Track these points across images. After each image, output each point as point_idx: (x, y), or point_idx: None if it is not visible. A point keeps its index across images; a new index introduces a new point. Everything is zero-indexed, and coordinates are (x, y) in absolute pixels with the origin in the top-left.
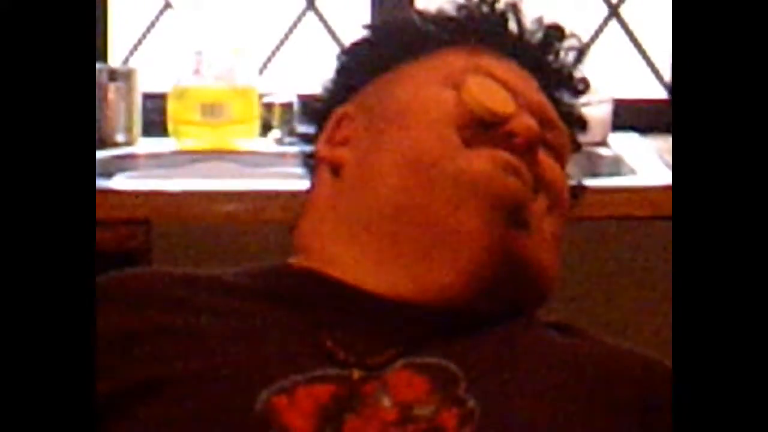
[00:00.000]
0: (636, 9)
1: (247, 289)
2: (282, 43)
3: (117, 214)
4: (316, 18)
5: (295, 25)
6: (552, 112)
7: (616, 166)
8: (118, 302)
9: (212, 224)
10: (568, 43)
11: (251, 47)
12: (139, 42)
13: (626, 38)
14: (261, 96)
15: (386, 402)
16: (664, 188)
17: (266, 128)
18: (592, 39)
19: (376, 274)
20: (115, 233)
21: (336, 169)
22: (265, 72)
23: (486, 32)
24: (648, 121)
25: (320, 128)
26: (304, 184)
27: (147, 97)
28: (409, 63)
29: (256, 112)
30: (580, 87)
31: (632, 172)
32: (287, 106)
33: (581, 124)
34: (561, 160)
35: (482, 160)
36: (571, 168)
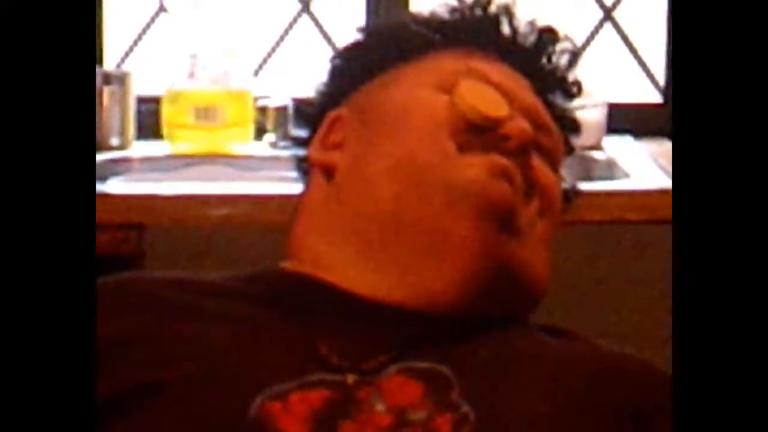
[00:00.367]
0: (630, 12)
1: (241, 293)
2: (276, 46)
3: (111, 217)
4: (310, 21)
5: (289, 28)
6: (545, 115)
7: (610, 169)
8: (111, 307)
9: (206, 228)
10: (562, 45)
11: (246, 50)
12: (134, 45)
13: (621, 41)
14: (255, 99)
15: (380, 407)
16: (658, 192)
17: (261, 132)
18: (587, 42)
19: (369, 278)
20: (109, 237)
21: (329, 173)
22: (259, 75)
23: (479, 35)
24: (642, 124)
25: (314, 131)
26: (298, 188)
27: (141, 100)
28: (402, 66)
29: (251, 115)
30: (574, 90)
31: (626, 175)
32: (282, 110)
33: (575, 127)
34: (554, 163)
35: (475, 167)
36: (565, 171)
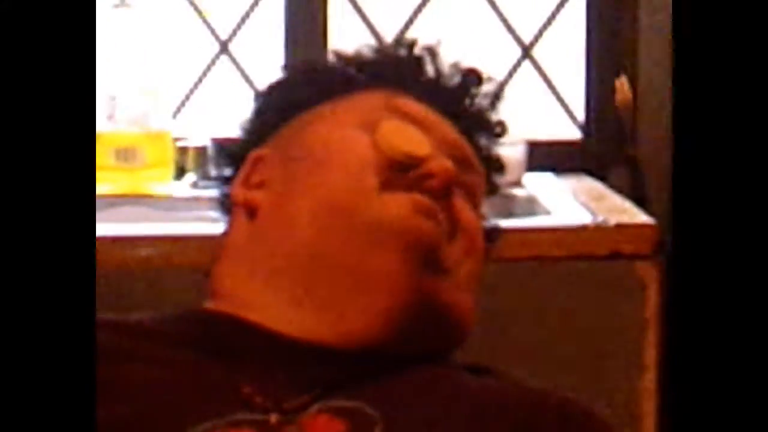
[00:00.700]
0: (549, 50)
1: (165, 334)
2: (195, 86)
3: None
4: (229, 61)
5: (208, 68)
6: (469, 152)
7: (531, 206)
8: None
9: (127, 269)
10: (485, 87)
11: (164, 91)
12: None
13: (539, 79)
14: (175, 140)
15: None
16: (579, 228)
17: (181, 172)
18: (506, 80)
19: (292, 318)
20: None
21: (251, 212)
22: (178, 116)
23: (403, 75)
24: (562, 161)
25: (236, 170)
26: (219, 228)
27: None
28: (325, 105)
29: (171, 156)
30: (498, 130)
31: (547, 212)
32: (201, 150)
33: (498, 166)
34: (476, 200)
35: (397, 204)
36: (486, 208)
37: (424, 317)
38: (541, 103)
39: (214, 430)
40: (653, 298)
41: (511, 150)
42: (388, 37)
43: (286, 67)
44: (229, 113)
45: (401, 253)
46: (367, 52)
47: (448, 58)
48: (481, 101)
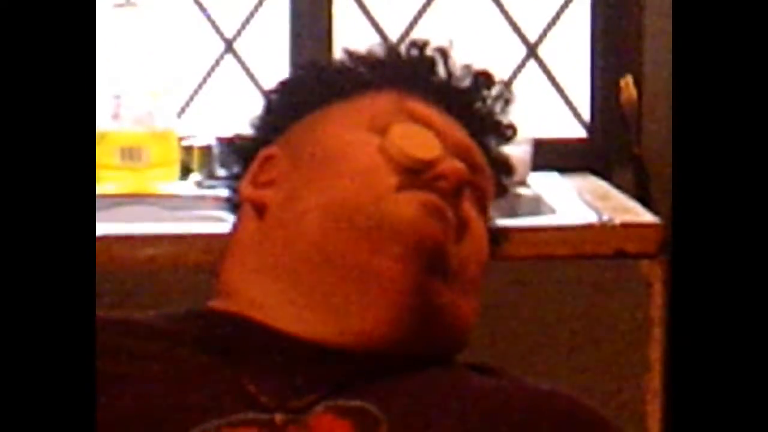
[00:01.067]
0: (554, 49)
1: (170, 333)
2: (201, 86)
3: None
4: (234, 60)
5: (213, 68)
6: (479, 156)
7: (536, 205)
8: None
9: (132, 268)
10: (496, 89)
11: (170, 90)
12: None
13: (545, 78)
14: (180, 139)
15: None
16: (583, 227)
17: (186, 171)
18: (511, 79)
19: (298, 317)
20: None
21: (260, 211)
22: (184, 115)
23: (414, 76)
24: (567, 160)
25: (245, 168)
26: (224, 227)
27: None
28: (336, 104)
29: (176, 155)
30: (508, 133)
31: (552, 211)
32: (206, 149)
33: (508, 169)
34: (484, 204)
35: (408, 205)
36: (491, 208)
37: (427, 319)
38: (547, 102)
39: (219, 429)
40: (658, 297)
41: (516, 149)
42: (393, 36)
43: (296, 65)
44: (234, 112)
45: (406, 254)
46: (378, 52)
47: (456, 56)
48: (492, 104)
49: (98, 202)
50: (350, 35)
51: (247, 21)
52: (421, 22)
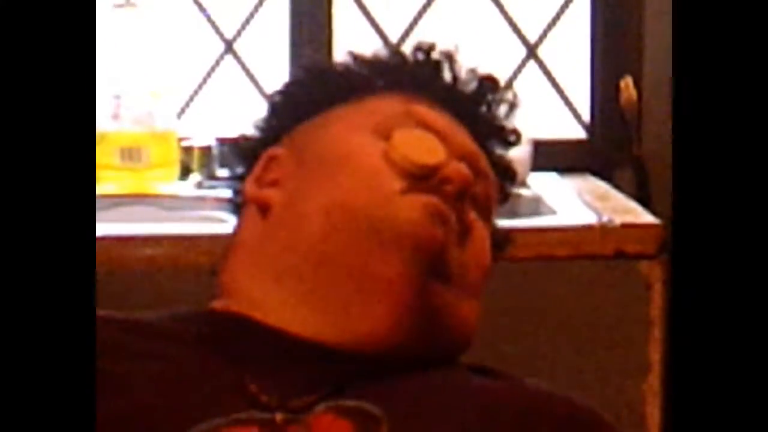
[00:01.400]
0: (554, 50)
1: (172, 332)
2: (201, 86)
3: None
4: (234, 61)
5: (213, 68)
6: (483, 162)
7: (536, 206)
8: None
9: (131, 269)
10: (501, 94)
11: (170, 91)
12: None
13: (545, 78)
14: (180, 140)
15: None
16: (583, 228)
17: (186, 172)
18: (511, 79)
19: (299, 317)
20: None
21: (264, 210)
22: (184, 115)
23: (420, 80)
24: (567, 161)
25: (249, 169)
26: (224, 228)
27: None
28: (341, 107)
29: (176, 155)
30: (512, 138)
31: (552, 212)
32: (206, 150)
33: (511, 175)
34: (487, 209)
35: (409, 208)
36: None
37: (427, 321)
38: (547, 102)
39: (220, 427)
40: (658, 297)
41: (516, 150)
42: (393, 37)
43: (300, 67)
44: (234, 113)
45: (407, 258)
46: (383, 56)
47: (461, 60)
48: (497, 108)
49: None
50: (350, 36)
51: (247, 21)
52: (421, 22)
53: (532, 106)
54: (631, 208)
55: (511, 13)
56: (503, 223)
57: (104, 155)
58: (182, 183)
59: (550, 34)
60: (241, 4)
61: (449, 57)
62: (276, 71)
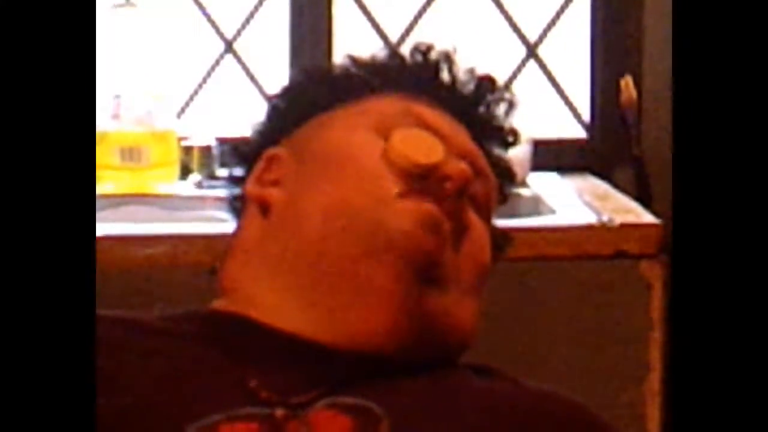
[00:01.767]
0: (554, 49)
1: (172, 331)
2: (201, 86)
3: None
4: (234, 61)
5: (213, 68)
6: (482, 162)
7: (536, 205)
8: None
9: (131, 268)
10: (500, 94)
11: (170, 91)
12: None
13: (545, 78)
14: (180, 139)
15: None
16: (583, 228)
17: (186, 171)
18: (511, 79)
19: (297, 317)
20: None
21: (264, 209)
22: (184, 115)
23: (418, 81)
24: (567, 160)
25: (249, 170)
26: (223, 228)
27: None
28: (340, 108)
29: (176, 155)
30: (510, 139)
31: (552, 211)
32: (206, 150)
33: (510, 175)
34: (487, 210)
35: (403, 216)
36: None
37: (420, 325)
38: (546, 102)
39: (220, 422)
40: (658, 297)
41: (515, 149)
42: (393, 37)
43: (300, 69)
44: (234, 113)
45: (399, 265)
46: (382, 57)
47: (459, 60)
48: (496, 108)
49: (98, 202)
50: (350, 35)
51: (247, 21)
52: (421, 22)
53: (532, 106)
54: (631, 208)
55: (511, 13)
56: (503, 223)
57: (104, 155)
58: (182, 183)
59: (550, 34)
60: (241, 4)
61: (447, 57)
62: (276, 71)
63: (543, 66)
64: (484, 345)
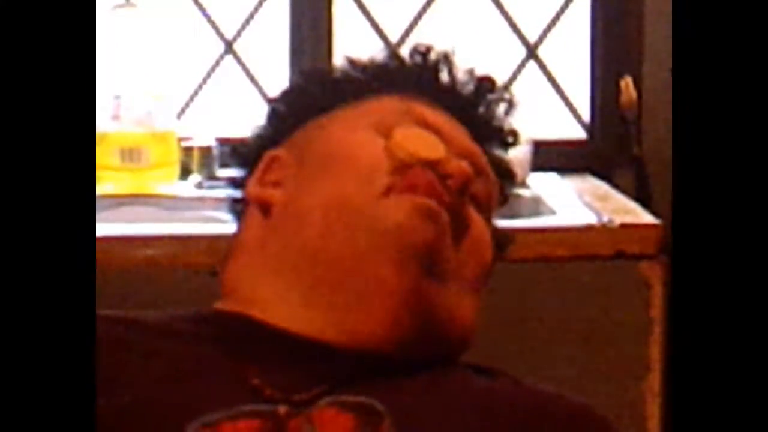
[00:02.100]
0: (554, 50)
1: (174, 331)
2: (201, 86)
3: None
4: (234, 61)
5: (213, 68)
6: (482, 161)
7: (536, 206)
8: None
9: (132, 269)
10: (499, 94)
11: (170, 91)
12: None
13: (545, 79)
14: (180, 140)
15: None
16: (583, 228)
17: (186, 172)
18: (511, 80)
19: (301, 316)
20: None
21: (266, 210)
22: (184, 116)
23: (418, 82)
24: (567, 161)
25: (250, 171)
26: (224, 228)
27: None
28: (341, 109)
29: (176, 156)
30: (510, 139)
31: (552, 212)
32: (206, 150)
33: (510, 176)
34: (488, 209)
35: (397, 208)
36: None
37: (424, 320)
38: (546, 103)
39: (222, 419)
40: (658, 298)
41: (516, 150)
42: (393, 37)
43: (299, 72)
44: (234, 113)
45: (400, 256)
46: (381, 59)
47: (459, 61)
48: (495, 109)
49: (98, 203)
50: (350, 36)
51: (247, 21)
52: (421, 23)
53: (532, 106)
54: (631, 209)
55: (511, 13)
56: (503, 223)
57: (104, 155)
58: (182, 183)
59: (550, 34)
60: (241, 4)
61: (446, 58)
62: (276, 72)
63: (543, 66)
64: (484, 345)
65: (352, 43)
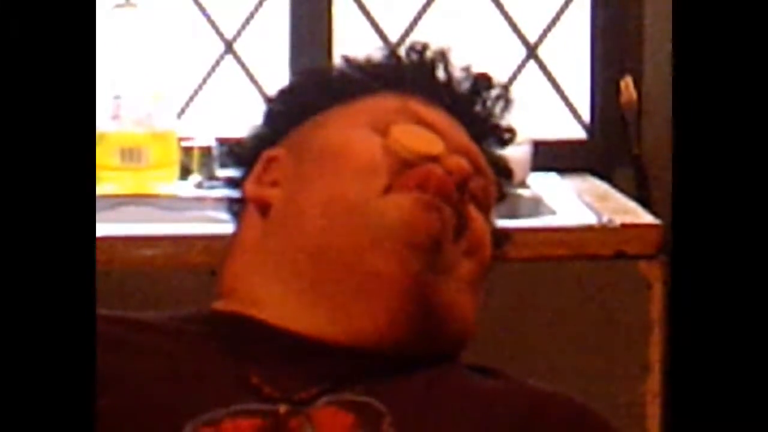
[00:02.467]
0: (554, 50)
1: (173, 331)
2: (201, 86)
3: None
4: (234, 61)
5: (213, 68)
6: (480, 158)
7: (536, 206)
8: None
9: (131, 269)
10: (496, 92)
11: (170, 91)
12: None
13: (545, 78)
14: (180, 140)
15: None
16: (583, 228)
17: (186, 172)
18: (511, 80)
19: (300, 315)
20: None
21: (264, 210)
22: (183, 116)
23: (414, 80)
24: (567, 161)
25: (248, 171)
26: (223, 228)
27: None
28: (338, 107)
29: (176, 156)
30: (507, 137)
31: (552, 212)
32: (206, 150)
33: (507, 173)
34: (486, 206)
35: (397, 204)
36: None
37: (425, 316)
38: (546, 103)
39: (222, 417)
40: (658, 298)
41: (515, 150)
42: (393, 37)
43: (296, 71)
44: (234, 113)
45: (402, 250)
46: (378, 57)
47: (455, 59)
48: (492, 107)
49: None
50: (350, 36)
51: (247, 21)
52: (421, 23)
53: (532, 106)
54: (631, 209)
55: (511, 13)
56: (503, 223)
57: (104, 156)
58: (182, 183)
59: (550, 34)
60: (241, 4)
61: (443, 56)
62: (276, 71)
63: (543, 66)
64: (484, 345)
65: (352, 43)
